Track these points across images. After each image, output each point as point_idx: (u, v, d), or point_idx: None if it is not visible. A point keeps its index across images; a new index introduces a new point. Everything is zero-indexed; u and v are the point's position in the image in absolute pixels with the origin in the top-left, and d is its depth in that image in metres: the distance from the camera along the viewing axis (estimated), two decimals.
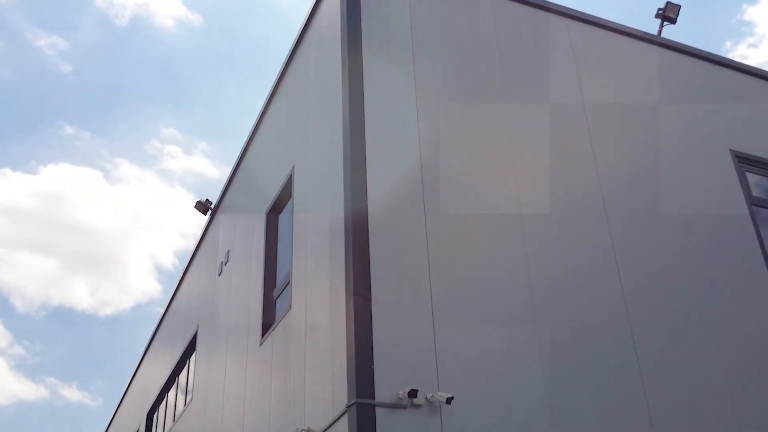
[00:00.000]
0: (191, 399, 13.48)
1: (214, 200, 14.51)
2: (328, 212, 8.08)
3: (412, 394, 6.35)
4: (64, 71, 59.66)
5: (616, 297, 8.13)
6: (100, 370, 65.03)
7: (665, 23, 10.91)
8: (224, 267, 12.65)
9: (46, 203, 62.86)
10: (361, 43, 8.38)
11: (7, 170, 62.47)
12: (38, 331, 64.98)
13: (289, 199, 9.92)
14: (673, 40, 11.04)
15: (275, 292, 9.98)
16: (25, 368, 63.57)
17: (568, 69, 9.75)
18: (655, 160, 9.61)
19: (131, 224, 64.58)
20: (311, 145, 9.28)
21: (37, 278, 63.25)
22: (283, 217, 10.38)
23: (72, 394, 62.85)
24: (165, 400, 17.03)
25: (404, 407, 6.38)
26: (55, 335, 66.22)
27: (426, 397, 6.46)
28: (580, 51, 9.99)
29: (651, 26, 10.85)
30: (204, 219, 15.12)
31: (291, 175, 9.79)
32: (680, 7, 10.91)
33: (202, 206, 14.49)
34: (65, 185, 62.78)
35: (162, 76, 61.20)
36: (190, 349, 14.54)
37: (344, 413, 6.50)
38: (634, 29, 10.74)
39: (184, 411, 14.02)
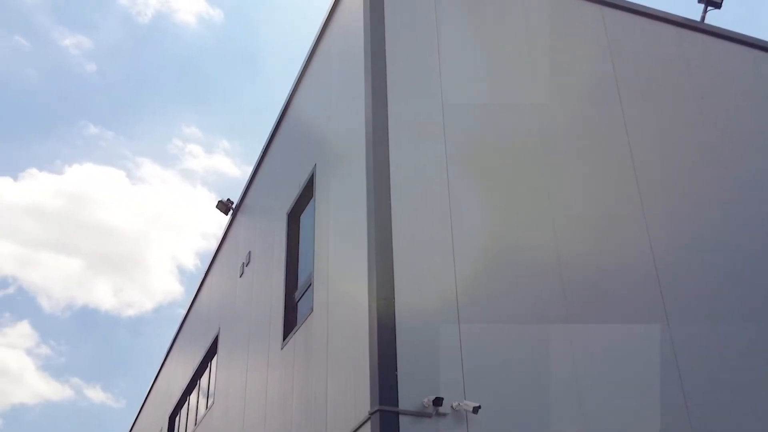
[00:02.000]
0: (213, 402, 13.48)
1: (235, 200, 14.49)
2: (351, 212, 7.96)
3: (437, 402, 6.24)
4: (88, 70, 60.35)
5: (654, 299, 7.92)
6: (124, 372, 65.83)
7: (709, 8, 10.52)
8: (245, 268, 12.61)
9: (71, 203, 63.70)
10: (385, 37, 8.27)
11: (34, 170, 63.41)
12: (64, 331, 66.02)
13: (311, 198, 9.82)
14: (718, 27, 10.71)
15: (297, 294, 9.90)
16: (51, 368, 64.60)
17: (603, 60, 9.53)
18: (698, 155, 9.36)
19: (154, 225, 65.29)
20: (334, 143, 9.18)
21: (62, 279, 64.21)
22: (304, 218, 10.29)
23: (96, 395, 63.70)
24: (187, 403, 17.08)
25: (429, 416, 6.26)
26: (80, 336, 67.21)
27: (452, 406, 6.34)
28: (616, 40, 9.75)
29: (694, 12, 10.53)
30: (225, 219, 15.14)
31: (313, 174, 9.69)
32: None
33: (224, 206, 14.51)
34: (89, 185, 63.55)
35: (183, 73, 61.67)
36: (212, 351, 14.55)
37: (367, 420, 6.40)
38: (674, 15, 10.45)
39: (205, 414, 14.02)
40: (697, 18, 10.64)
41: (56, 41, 57.77)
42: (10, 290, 64.35)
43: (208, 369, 15.06)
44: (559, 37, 9.45)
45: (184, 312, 18.98)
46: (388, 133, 7.69)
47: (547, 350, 7.11)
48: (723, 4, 10.53)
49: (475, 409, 6.27)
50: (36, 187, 62.73)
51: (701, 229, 8.75)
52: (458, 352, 6.71)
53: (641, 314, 7.78)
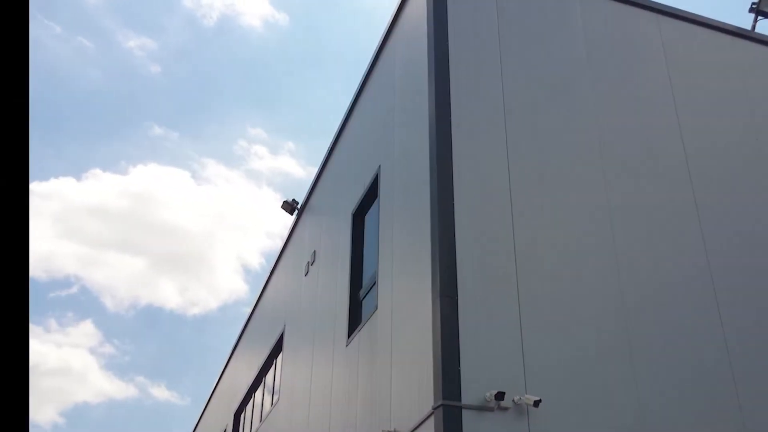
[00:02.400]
0: (278, 399, 13.92)
1: (300, 200, 14.95)
2: (415, 212, 8.30)
3: (499, 396, 6.50)
4: (153, 72, 61.74)
5: (708, 299, 8.12)
6: (189, 370, 67.05)
7: (760, 18, 10.77)
8: (311, 267, 13.05)
9: (136, 203, 65.00)
10: (448, 43, 8.59)
11: (98, 170, 65.05)
12: (128, 330, 67.44)
13: (375, 199, 10.20)
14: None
15: (361, 293, 10.26)
16: (114, 367, 66.11)
17: (659, 65, 9.73)
18: (751, 159, 9.51)
19: (219, 224, 66.34)
20: (397, 145, 9.54)
21: (126, 278, 65.60)
22: (369, 218, 10.67)
23: (161, 393, 65.00)
24: (252, 400, 17.58)
25: (491, 410, 6.53)
26: (144, 334, 68.60)
27: (513, 400, 6.60)
28: (671, 47, 9.97)
29: (745, 21, 10.84)
30: (290, 219, 15.61)
31: (377, 175, 10.06)
32: None
33: (289, 206, 14.93)
34: (154, 185, 64.75)
35: (248, 76, 62.60)
36: (277, 349, 15.00)
37: (430, 415, 6.69)
38: (726, 24, 10.64)
39: (270, 411, 14.49)
40: (748, 26, 10.91)
41: (120, 43, 59.26)
42: (73, 290, 66.25)
43: (273, 366, 15.54)
44: (616, 44, 9.69)
45: (249, 310, 19.51)
46: (451, 136, 8.00)
47: (605, 347, 7.36)
48: None
49: (536, 403, 6.51)
50: (100, 188, 64.14)
51: (755, 231, 8.90)
52: (519, 347, 6.98)
53: (696, 314, 7.98)
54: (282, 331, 14.54)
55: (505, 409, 6.57)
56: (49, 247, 62.79)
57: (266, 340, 16.12)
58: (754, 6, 10.88)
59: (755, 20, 10.85)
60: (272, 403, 14.63)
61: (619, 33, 9.85)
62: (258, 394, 16.90)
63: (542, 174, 8.22)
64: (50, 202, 63.55)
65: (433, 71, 8.42)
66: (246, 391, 17.83)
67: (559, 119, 8.72)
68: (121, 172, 64.47)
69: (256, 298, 18.54)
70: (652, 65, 9.74)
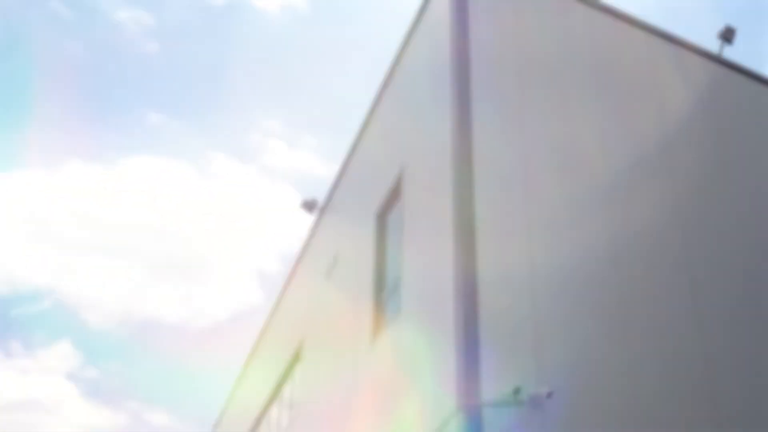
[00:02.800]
0: (297, 409, 13.96)
1: (320, 199, 14.78)
2: (437, 213, 8.56)
3: (516, 391, 6.91)
4: (149, 50, 54.62)
5: (684, 294, 8.86)
6: (192, 390, 61.91)
7: (725, 44, 11.98)
8: (332, 270, 13.03)
9: (126, 202, 57.81)
10: (470, 44, 8.98)
11: (77, 162, 57.30)
12: (116, 349, 58.47)
13: (399, 199, 10.27)
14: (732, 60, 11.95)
15: (385, 295, 10.33)
16: (100, 393, 56.63)
17: (646, 78, 10.56)
18: (718, 162, 10.41)
19: (228, 225, 61.63)
20: (421, 145, 9.73)
21: (114, 289, 57.59)
22: (392, 219, 10.74)
23: (158, 418, 58.59)
24: (267, 416, 17.52)
25: (509, 405, 6.90)
26: (138, 353, 61.26)
27: (529, 394, 6.96)
28: (657, 62, 10.82)
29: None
30: (310, 220, 15.41)
31: (400, 175, 10.16)
32: (735, 30, 11.98)
33: (308, 206, 14.74)
34: (150, 181, 56.46)
35: (263, 63, 57.70)
36: (296, 358, 14.98)
37: (453, 415, 6.97)
38: (704, 48, 11.57)
39: (289, 423, 14.47)
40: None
41: (107, 13, 50.65)
42: (45, 305, 59.31)
43: (291, 377, 15.51)
44: (614, 56, 10.50)
45: (264, 318, 19.38)
46: (471, 137, 8.35)
47: (610, 343, 7.92)
48: (733, 40, 11.98)
49: (549, 395, 6.93)
50: (80, 183, 56.49)
51: (732, 231, 9.81)
52: (535, 344, 7.42)
53: (674, 310, 8.65)
54: (301, 338, 14.50)
55: (522, 403, 6.92)
56: (11, 254, 56.90)
57: (284, 349, 16.07)
58: (720, 33, 11.95)
59: (721, 46, 11.98)
60: (291, 415, 14.60)
61: (615, 46, 10.63)
62: (275, 407, 16.84)
63: (559, 174, 8.75)
64: (14, 199, 57.91)
65: (456, 73, 8.81)
66: (261, 405, 17.72)
67: (571, 122, 9.27)
68: (108, 165, 56.30)
69: (273, 305, 18.40)
70: (639, 77, 10.55)
